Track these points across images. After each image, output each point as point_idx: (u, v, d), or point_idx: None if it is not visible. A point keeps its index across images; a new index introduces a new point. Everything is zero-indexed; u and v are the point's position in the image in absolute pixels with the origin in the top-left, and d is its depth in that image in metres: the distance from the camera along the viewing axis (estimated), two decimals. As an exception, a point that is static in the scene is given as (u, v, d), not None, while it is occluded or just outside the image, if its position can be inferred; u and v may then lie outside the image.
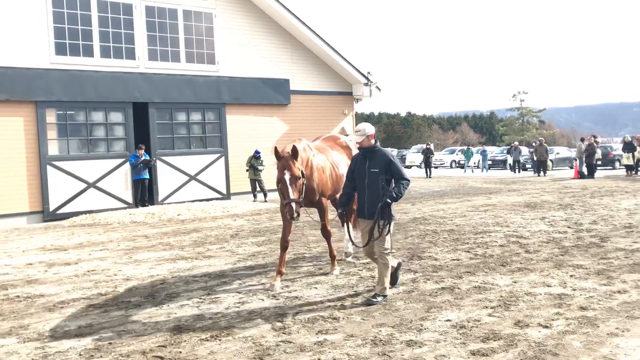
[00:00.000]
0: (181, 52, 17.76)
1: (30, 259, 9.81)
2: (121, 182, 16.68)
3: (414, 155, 45.41)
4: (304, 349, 4.93)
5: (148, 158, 16.90)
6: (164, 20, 17.43)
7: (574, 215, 12.65)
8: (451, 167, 43.54)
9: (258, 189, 18.47)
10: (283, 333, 5.36)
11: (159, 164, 17.35)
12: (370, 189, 6.31)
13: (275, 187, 7.28)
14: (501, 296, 6.33)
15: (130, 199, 16.81)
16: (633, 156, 26.16)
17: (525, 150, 36.13)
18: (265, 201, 18.23)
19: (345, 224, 7.55)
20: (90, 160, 16.17)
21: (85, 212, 15.78)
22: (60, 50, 15.66)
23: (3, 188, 14.77)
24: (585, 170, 25.81)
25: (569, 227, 11.00)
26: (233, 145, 18.71)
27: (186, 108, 17.99)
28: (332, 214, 8.10)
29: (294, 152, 6.75)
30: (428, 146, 31.94)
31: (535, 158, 29.32)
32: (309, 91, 20.47)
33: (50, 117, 15.63)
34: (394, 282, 6.73)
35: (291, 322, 5.70)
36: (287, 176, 6.65)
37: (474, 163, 37.88)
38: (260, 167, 18.18)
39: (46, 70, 15.36)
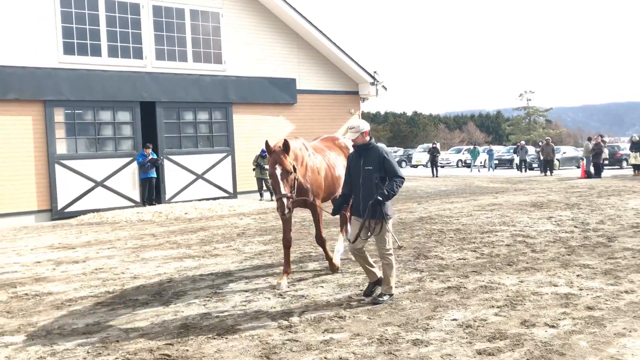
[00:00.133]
0: (188, 51, 17.82)
1: (39, 257, 9.88)
2: (129, 181, 16.75)
3: (420, 155, 45.32)
4: (310, 347, 4.95)
5: (155, 157, 16.96)
6: (171, 19, 17.49)
7: (580, 215, 12.61)
8: (457, 166, 43.46)
9: (264, 187, 18.50)
10: (289, 332, 5.38)
11: (166, 163, 17.41)
12: (364, 187, 6.19)
13: None
14: (507, 295, 6.33)
15: (137, 198, 16.89)
16: (641, 155, 26.01)
17: (531, 150, 36.01)
18: (272, 200, 18.27)
19: (342, 229, 7.45)
20: (98, 159, 16.25)
21: (93, 211, 15.86)
22: (68, 49, 15.74)
23: (12, 186, 14.87)
24: (592, 169, 25.71)
25: (575, 227, 10.97)
26: (240, 145, 18.74)
27: (193, 107, 18.04)
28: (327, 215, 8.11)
29: (286, 147, 6.62)
30: (434, 145, 31.86)
31: (541, 157, 29.21)
32: (316, 90, 20.48)
33: (59, 116, 15.72)
34: (375, 301, 6.23)
35: (297, 320, 5.72)
36: (278, 170, 6.51)
37: (480, 162, 37.78)
38: (266, 166, 18.19)
39: (54, 69, 15.45)
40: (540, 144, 31.61)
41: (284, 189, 6.48)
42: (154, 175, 17.03)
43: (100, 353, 5.00)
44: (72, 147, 15.95)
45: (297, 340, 5.13)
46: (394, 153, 48.78)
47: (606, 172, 27.59)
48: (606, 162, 28.72)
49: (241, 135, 18.79)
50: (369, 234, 6.16)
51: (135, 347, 5.11)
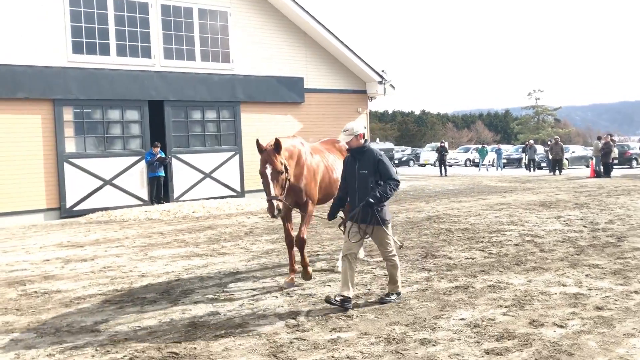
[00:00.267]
0: (196, 50, 17.85)
1: (47, 255, 9.94)
2: (137, 179, 16.82)
3: (428, 154, 45.21)
4: (318, 346, 4.95)
5: (163, 156, 17.02)
6: (180, 18, 17.53)
7: (589, 215, 12.54)
8: (465, 165, 43.34)
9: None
10: (297, 330, 5.39)
11: (174, 161, 17.46)
12: (360, 192, 6.01)
13: None
14: (516, 295, 6.31)
15: (145, 196, 16.95)
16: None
17: (540, 149, 35.85)
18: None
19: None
20: (106, 158, 16.32)
21: (102, 209, 15.93)
22: (77, 48, 15.81)
23: (21, 185, 14.96)
24: (601, 169, 25.57)
25: (584, 227, 10.91)
26: (247, 143, 18.76)
27: (201, 106, 18.08)
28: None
29: (277, 146, 6.41)
30: (442, 144, 31.77)
31: (550, 157, 29.08)
32: (323, 89, 20.47)
33: (68, 114, 15.80)
34: (383, 301, 6.18)
35: (305, 319, 5.72)
36: (268, 170, 6.32)
37: (489, 161, 37.66)
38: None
39: (63, 68, 15.52)
40: (549, 143, 31.47)
41: (273, 190, 6.28)
42: (162, 173, 17.09)
43: (108, 351, 5.02)
44: (80, 146, 16.03)
45: (304, 339, 5.13)
46: (401, 152, 48.70)
47: (615, 172, 27.43)
48: (615, 161, 28.55)
49: (249, 134, 18.81)
50: (360, 237, 6.00)
51: (143, 345, 5.13)
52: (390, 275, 6.26)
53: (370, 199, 5.83)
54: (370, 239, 6.32)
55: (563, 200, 15.74)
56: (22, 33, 14.96)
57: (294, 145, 6.96)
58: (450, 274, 7.45)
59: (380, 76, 21.27)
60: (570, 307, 5.84)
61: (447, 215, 13.34)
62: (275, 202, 6.25)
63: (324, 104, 20.48)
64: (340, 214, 7.36)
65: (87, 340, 5.35)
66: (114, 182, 16.40)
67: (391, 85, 21.73)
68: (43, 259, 9.59)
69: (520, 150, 39.15)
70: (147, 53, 16.94)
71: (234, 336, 5.29)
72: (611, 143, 25.95)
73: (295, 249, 7.23)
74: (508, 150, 42.69)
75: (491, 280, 7.01)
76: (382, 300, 6.19)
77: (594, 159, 26.43)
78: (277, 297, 6.64)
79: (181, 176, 17.61)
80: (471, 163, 43.26)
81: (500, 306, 5.93)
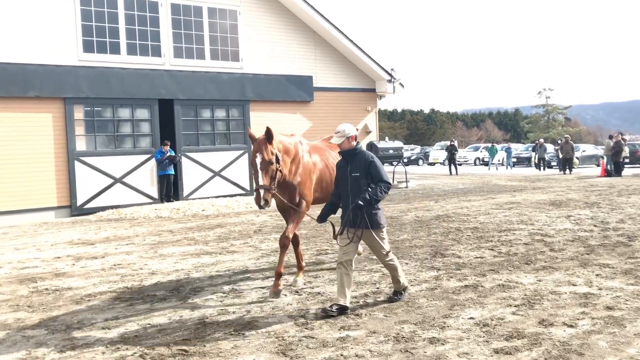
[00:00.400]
0: (206, 49, 17.91)
1: (58, 253, 10.01)
2: (147, 177, 16.90)
3: (437, 152, 45.10)
4: (327, 344, 4.96)
5: (173, 154, 17.09)
6: (189, 17, 17.59)
7: (600, 214, 12.47)
8: (475, 164, 43.19)
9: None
10: (306, 328, 5.40)
11: (183, 160, 17.53)
12: (353, 195, 5.83)
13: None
14: (525, 294, 6.28)
15: (155, 195, 17.03)
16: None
17: (550, 148, 35.66)
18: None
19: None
20: (116, 156, 16.41)
21: (112, 207, 16.03)
22: (88, 47, 15.91)
23: (32, 183, 15.08)
24: (612, 168, 25.39)
25: (595, 226, 10.85)
26: (256, 142, 18.78)
27: (211, 105, 18.13)
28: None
29: (268, 135, 6.27)
30: (452, 143, 31.66)
31: (560, 156, 28.91)
32: (332, 88, 20.47)
33: (78, 113, 15.90)
34: (392, 300, 6.13)
35: (314, 317, 5.73)
36: (258, 159, 6.17)
37: (498, 160, 37.50)
38: None
39: (74, 67, 15.62)
40: (559, 142, 31.30)
41: (262, 180, 6.13)
42: (172, 172, 17.17)
43: (118, 348, 5.06)
44: (91, 144, 16.13)
45: (313, 337, 5.14)
46: (411, 151, 48.60)
47: (626, 171, 27.22)
48: (626, 160, 28.34)
49: (258, 133, 18.82)
50: (348, 242, 5.82)
51: (153, 342, 5.16)
52: (392, 276, 6.19)
53: (360, 202, 5.68)
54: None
55: (573, 199, 15.65)
56: (33, 32, 15.07)
57: (290, 142, 6.81)
58: (460, 273, 7.43)
59: (390, 74, 21.24)
60: (580, 306, 5.81)
61: (457, 214, 13.30)
62: (262, 192, 6.09)
63: (333, 103, 20.48)
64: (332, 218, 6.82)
65: (98, 337, 5.39)
66: (124, 180, 16.49)
67: (400, 84, 21.70)
68: (54, 257, 9.66)
69: (530, 149, 38.97)
70: (157, 52, 17.01)
71: (243, 334, 5.31)
72: (622, 142, 25.76)
73: (298, 245, 7.15)
74: (518, 149, 42.50)
75: (501, 280, 6.99)
76: (391, 299, 6.18)
77: (605, 158, 26.26)
78: (286, 295, 6.65)
79: (191, 174, 17.68)
80: (481, 162, 43.10)
81: (510, 305, 5.91)
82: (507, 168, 35.21)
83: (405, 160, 34.37)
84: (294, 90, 19.48)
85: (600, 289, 6.43)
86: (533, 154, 34.82)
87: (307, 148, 7.15)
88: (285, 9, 19.26)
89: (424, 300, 6.22)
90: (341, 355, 4.70)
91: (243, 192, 18.57)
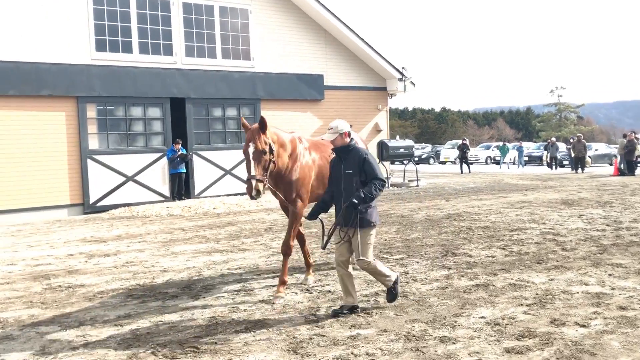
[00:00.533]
0: (217, 48, 17.96)
1: (71, 250, 10.10)
2: (159, 176, 16.99)
3: (448, 151, 44.96)
4: (337, 342, 4.97)
5: (185, 152, 17.18)
6: (201, 16, 17.66)
7: (613, 213, 12.37)
8: (486, 163, 43.00)
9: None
10: (316, 326, 5.41)
11: (195, 158, 17.60)
12: (346, 193, 5.69)
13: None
14: (537, 294, 6.26)
15: (167, 193, 17.12)
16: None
17: (562, 147, 35.43)
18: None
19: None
20: (129, 155, 16.52)
21: (124, 205, 16.13)
22: (100, 46, 16.01)
23: (46, 181, 15.21)
24: (625, 167, 25.18)
25: (607, 225, 10.77)
26: (267, 140, 18.82)
27: (222, 103, 18.20)
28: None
29: (262, 124, 6.08)
30: (464, 141, 31.53)
31: (573, 154, 28.72)
32: (343, 86, 20.47)
33: (91, 112, 16.02)
34: (392, 298, 5.96)
35: (324, 316, 5.74)
36: (250, 149, 6.02)
37: (510, 159, 37.31)
38: None
39: (87, 66, 15.74)
40: (571, 140, 31.09)
41: (254, 170, 5.99)
42: (184, 170, 17.26)
43: (130, 345, 5.10)
44: (103, 143, 16.25)
45: (324, 335, 5.15)
46: (422, 149, 48.46)
47: (640, 170, 26.98)
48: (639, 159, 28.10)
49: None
50: (340, 240, 5.72)
51: (165, 339, 5.20)
52: (377, 279, 5.89)
53: (354, 200, 5.50)
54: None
55: (585, 198, 15.54)
56: (46, 31, 15.19)
57: (287, 136, 6.67)
58: (471, 272, 7.41)
59: (401, 73, 21.20)
60: (592, 306, 5.78)
61: (468, 213, 13.26)
62: (254, 182, 5.94)
63: (343, 101, 20.48)
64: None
65: (110, 333, 5.43)
66: (136, 178, 16.59)
67: (411, 82, 21.64)
68: (67, 254, 9.75)
69: (542, 147, 38.73)
70: (169, 51, 17.09)
71: (254, 331, 5.33)
72: (635, 140, 25.53)
73: (304, 245, 7.06)
74: (529, 147, 42.25)
75: (512, 279, 6.96)
76: (390, 295, 5.91)
77: (618, 156, 26.04)
78: (296, 293, 6.67)
79: (202, 173, 17.76)
80: (492, 161, 42.91)
81: (521, 305, 5.89)
82: (518, 167, 35.03)
83: (416, 159, 34.28)
84: (305, 89, 19.50)
85: (613, 289, 6.39)
86: (545, 152, 34.60)
87: (307, 145, 7.00)
88: (296, 8, 19.27)
89: (434, 299, 6.21)
90: (352, 353, 4.71)
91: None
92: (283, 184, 6.62)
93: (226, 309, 6.14)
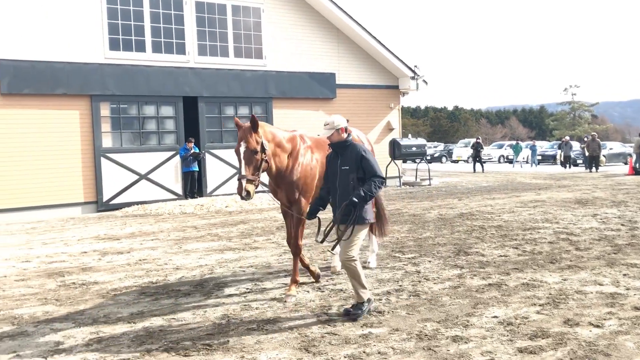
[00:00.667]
0: (229, 47, 18.01)
1: (85, 248, 10.18)
2: (171, 174, 17.08)
3: (460, 150, 44.78)
4: (349, 341, 4.97)
5: (197, 151, 17.25)
6: (213, 15, 17.71)
7: (628, 213, 12.25)
8: (499, 162, 42.78)
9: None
10: (328, 325, 5.41)
11: (207, 157, 17.67)
12: (341, 190, 5.60)
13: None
14: (550, 294, 6.21)
15: (180, 191, 17.20)
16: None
17: (576, 145, 35.15)
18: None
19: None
20: (142, 153, 16.61)
21: (137, 203, 16.24)
22: (114, 45, 16.12)
23: (60, 179, 15.35)
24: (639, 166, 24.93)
25: (622, 225, 10.67)
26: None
27: (234, 102, 18.25)
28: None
29: (253, 123, 5.96)
30: (478, 140, 31.38)
31: (587, 153, 28.48)
32: (355, 85, 20.45)
33: (105, 110, 16.14)
34: (352, 316, 5.57)
35: (336, 314, 5.74)
36: (242, 148, 5.89)
37: (523, 158, 37.07)
38: None
39: (100, 65, 15.85)
40: (585, 139, 30.83)
41: (244, 170, 5.88)
42: (196, 168, 17.34)
43: (143, 342, 5.13)
44: (117, 141, 16.36)
45: (335, 334, 5.15)
46: (434, 148, 48.29)
47: (655, 169, 26.69)
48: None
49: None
50: (338, 239, 5.58)
51: (178, 337, 5.23)
52: (352, 284, 5.64)
53: (355, 198, 5.39)
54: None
55: (600, 197, 15.41)
56: (60, 30, 15.32)
57: (284, 135, 6.55)
58: (483, 271, 7.38)
59: (413, 71, 21.13)
60: (607, 306, 5.73)
61: (480, 212, 13.19)
62: (244, 182, 5.82)
63: (355, 100, 20.45)
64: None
65: (123, 330, 5.47)
66: (149, 176, 16.69)
67: (424, 81, 21.57)
68: (81, 251, 9.83)
69: (555, 146, 38.46)
70: (181, 50, 17.16)
71: (266, 329, 5.35)
72: (650, 139, 25.26)
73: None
74: (543, 146, 41.96)
75: (525, 278, 6.92)
76: (346, 312, 5.60)
77: (634, 155, 25.78)
78: (308, 291, 6.68)
79: (214, 171, 17.82)
80: (505, 159, 42.67)
81: (534, 304, 5.85)
82: (531, 166, 34.80)
83: (429, 157, 34.20)
84: (317, 88, 19.50)
85: (627, 289, 6.33)
86: (559, 151, 34.35)
87: (309, 143, 6.86)
88: (308, 6, 19.27)
89: (447, 298, 6.19)
90: (363, 352, 4.71)
91: (266, 189, 18.60)
92: (285, 184, 6.52)
93: (238, 307, 6.16)
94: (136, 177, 16.48)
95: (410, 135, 25.20)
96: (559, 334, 4.97)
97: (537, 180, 22.90)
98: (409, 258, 8.34)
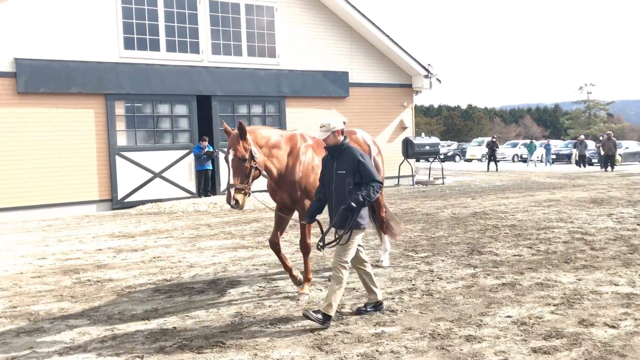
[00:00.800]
0: (243, 45, 18.06)
1: (100, 245, 10.27)
2: (185, 172, 17.17)
3: (474, 149, 44.54)
4: (362, 340, 4.97)
5: (211, 150, 17.33)
6: (227, 14, 17.77)
7: (644, 213, 12.12)
8: (513, 160, 42.49)
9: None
10: (341, 323, 5.42)
11: (221, 155, 17.74)
12: (337, 194, 5.47)
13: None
14: (564, 294, 6.17)
15: (193, 189, 17.29)
16: None
17: (591, 145, 34.82)
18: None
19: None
20: (156, 151, 16.72)
21: (151, 201, 16.35)
22: (128, 44, 16.23)
23: (75, 177, 15.49)
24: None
25: (638, 225, 10.56)
26: (292, 138, 18.87)
27: (247, 101, 18.30)
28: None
29: (240, 130, 5.78)
30: (493, 139, 31.17)
31: (602, 152, 28.21)
32: (368, 83, 20.41)
33: (119, 109, 16.26)
34: (362, 312, 5.67)
35: (349, 313, 5.75)
36: (230, 157, 5.79)
37: (537, 157, 36.80)
38: None
39: (115, 64, 15.97)
40: (601, 138, 30.53)
41: (232, 179, 5.78)
42: (210, 167, 17.43)
43: (157, 339, 5.17)
44: (131, 139, 16.48)
45: (348, 333, 5.16)
46: (447, 147, 48.07)
47: (672, 169, 26.38)
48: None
49: (294, 129, 18.92)
50: (336, 242, 5.41)
51: (192, 334, 5.26)
52: (329, 289, 5.39)
53: (353, 203, 5.24)
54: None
55: (615, 197, 15.26)
56: (76, 30, 15.45)
57: (285, 135, 6.45)
58: (497, 270, 7.34)
59: (426, 70, 21.05)
60: (622, 307, 5.67)
61: (494, 211, 13.12)
62: (232, 191, 5.73)
63: (368, 98, 20.42)
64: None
65: (138, 328, 5.52)
66: (164, 174, 16.80)
67: (437, 79, 21.48)
68: (96, 249, 9.92)
69: (570, 145, 38.13)
70: (195, 49, 17.24)
71: (279, 327, 5.37)
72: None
73: (279, 253, 6.66)
74: (557, 145, 41.62)
75: (539, 278, 6.88)
76: (305, 314, 5.32)
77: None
78: (321, 290, 6.69)
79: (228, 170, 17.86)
80: (519, 158, 42.38)
81: (549, 304, 5.81)
82: (546, 165, 34.54)
83: (442, 156, 34.05)
84: (330, 86, 19.50)
85: (643, 290, 6.27)
86: (574, 150, 34.05)
87: (311, 142, 6.71)
88: (321, 5, 19.27)
89: (460, 297, 6.17)
90: (376, 351, 4.71)
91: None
92: (287, 184, 6.39)
93: (251, 304, 6.19)
94: (150, 175, 16.59)
95: (423, 134, 25.11)
96: (573, 334, 4.94)
97: (551, 179, 22.72)
98: (422, 257, 8.32)
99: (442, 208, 14.03)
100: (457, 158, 45.94)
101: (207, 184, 17.42)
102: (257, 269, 7.95)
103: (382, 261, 7.84)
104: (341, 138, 5.55)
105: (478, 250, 8.68)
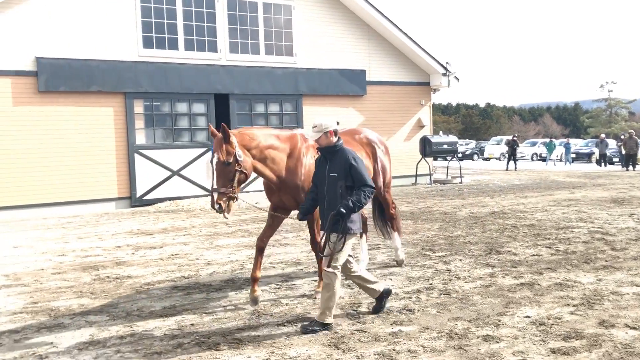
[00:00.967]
0: (260, 44, 18.11)
1: (119, 242, 10.38)
2: (203, 170, 17.27)
3: (492, 147, 44.20)
4: (379, 338, 4.96)
5: (228, 148, 17.38)
6: (245, 13, 17.83)
7: (666, 213, 11.93)
8: (532, 159, 42.10)
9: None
10: (358, 322, 5.42)
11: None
12: (329, 197, 5.31)
13: None
14: (584, 294, 6.10)
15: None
16: None
17: (612, 143, 34.36)
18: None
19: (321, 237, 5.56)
20: (174, 149, 16.84)
21: (170, 199, 16.47)
22: (147, 43, 16.36)
23: (95, 175, 15.66)
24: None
25: (660, 225, 10.40)
26: (309, 136, 18.88)
27: (265, 99, 18.35)
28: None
29: (224, 134, 5.63)
30: (514, 138, 30.86)
31: (623, 151, 27.82)
32: (386, 82, 20.35)
33: (138, 107, 16.40)
34: (378, 309, 5.66)
35: (366, 312, 5.74)
36: (214, 160, 5.66)
37: (557, 156, 36.42)
38: None
39: (134, 62, 16.10)
40: (622, 137, 30.11)
41: (215, 183, 5.65)
42: (227, 165, 17.48)
43: (176, 335, 5.21)
44: (150, 138, 16.61)
45: (365, 331, 5.15)
46: (465, 145, 47.75)
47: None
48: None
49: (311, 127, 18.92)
50: (330, 251, 5.25)
51: (209, 331, 5.30)
52: (321, 297, 5.30)
53: (342, 209, 5.09)
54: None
55: (637, 197, 15.04)
56: (95, 29, 15.60)
57: (284, 135, 6.31)
58: (515, 270, 7.28)
59: (444, 68, 20.92)
60: (643, 308, 5.60)
61: (512, 210, 13.01)
62: (215, 196, 5.60)
63: (386, 97, 20.36)
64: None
65: (156, 324, 5.57)
66: (182, 172, 16.91)
67: (455, 77, 21.34)
68: (115, 246, 10.02)
69: (590, 144, 37.67)
70: (213, 47, 17.33)
71: (295, 325, 5.38)
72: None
73: (261, 253, 6.42)
74: (577, 144, 41.14)
75: (558, 278, 6.81)
76: (304, 330, 5.21)
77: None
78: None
79: (245, 168, 17.93)
80: (538, 157, 41.98)
81: (568, 305, 5.75)
82: (565, 164, 34.16)
83: (460, 155, 33.85)
84: (347, 85, 19.47)
85: (665, 291, 6.17)
86: (596, 150, 33.58)
87: (312, 142, 6.37)
88: (339, 3, 19.25)
89: (478, 297, 6.13)
90: (393, 350, 4.70)
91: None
92: (289, 188, 6.19)
93: (268, 302, 6.21)
94: (169, 173, 16.72)
95: (441, 133, 24.99)
96: (593, 335, 4.88)
97: (571, 178, 22.47)
98: (439, 256, 8.28)
99: (460, 207, 13.94)
100: (475, 157, 45.63)
101: (224, 182, 17.48)
102: (273, 267, 7.97)
103: (399, 258, 7.75)
104: (334, 139, 5.38)
105: (496, 249, 8.62)
